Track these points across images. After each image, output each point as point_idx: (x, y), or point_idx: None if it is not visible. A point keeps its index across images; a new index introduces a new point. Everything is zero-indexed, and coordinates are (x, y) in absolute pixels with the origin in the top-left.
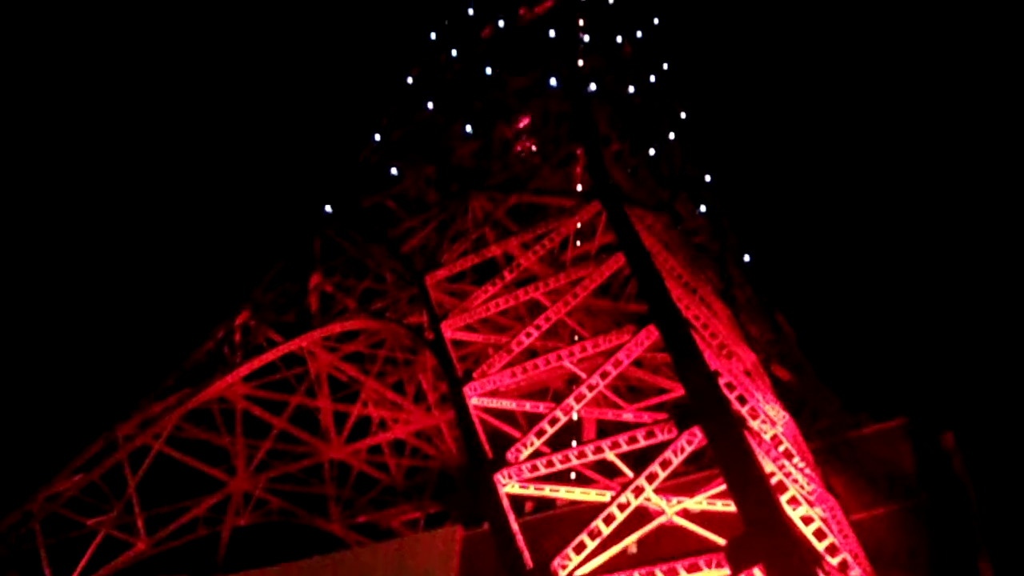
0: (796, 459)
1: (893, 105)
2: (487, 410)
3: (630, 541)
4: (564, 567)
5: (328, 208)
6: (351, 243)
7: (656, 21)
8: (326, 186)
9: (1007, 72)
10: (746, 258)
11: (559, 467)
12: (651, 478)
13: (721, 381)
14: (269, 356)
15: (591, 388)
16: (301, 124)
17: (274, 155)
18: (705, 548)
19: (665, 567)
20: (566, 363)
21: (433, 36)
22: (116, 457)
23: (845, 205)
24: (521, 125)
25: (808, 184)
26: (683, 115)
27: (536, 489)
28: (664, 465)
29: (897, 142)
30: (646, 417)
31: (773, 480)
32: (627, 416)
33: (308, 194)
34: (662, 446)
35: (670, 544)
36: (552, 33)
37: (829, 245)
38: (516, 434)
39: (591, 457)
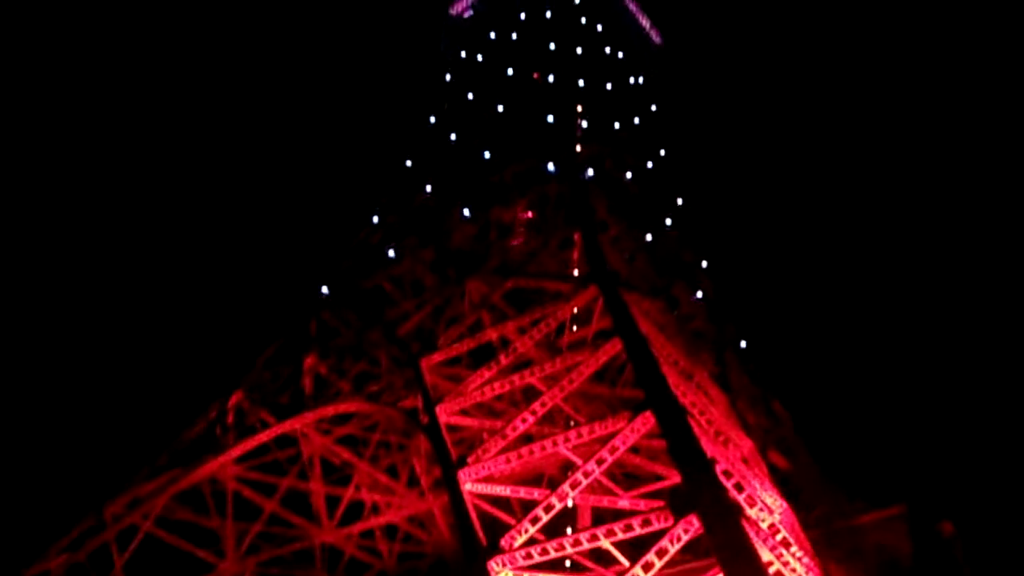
0: (794, 548)
1: (888, 190)
2: (481, 496)
3: None
4: None
5: (325, 289)
6: (347, 325)
7: (654, 108)
8: (323, 267)
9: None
10: (743, 344)
11: (554, 555)
12: (647, 567)
13: (718, 468)
14: (262, 437)
15: (587, 475)
16: (299, 204)
17: (272, 235)
18: None
19: None
20: (561, 449)
21: (432, 120)
22: (103, 537)
23: (844, 290)
24: (520, 215)
25: (806, 269)
26: (680, 201)
27: None
28: (660, 554)
29: (892, 228)
30: (642, 505)
31: (771, 569)
32: (623, 503)
33: (305, 275)
34: (658, 534)
35: None
36: (550, 118)
37: (826, 330)
38: (510, 521)
39: (586, 545)
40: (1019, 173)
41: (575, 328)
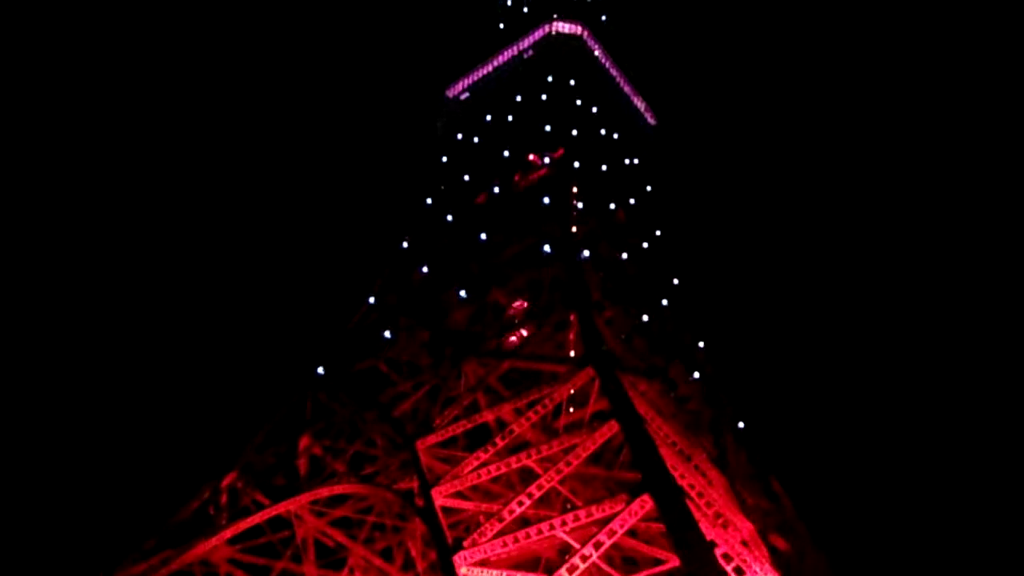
0: None
1: (882, 268)
2: None
3: None
4: None
5: (320, 370)
6: (342, 406)
7: (649, 188)
8: (319, 347)
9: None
10: (740, 425)
11: None
12: None
13: (718, 552)
14: (255, 519)
15: (584, 559)
16: (295, 283)
17: (267, 314)
18: None
19: None
20: (559, 532)
21: (429, 201)
22: None
23: (842, 370)
24: (515, 307)
25: (804, 349)
26: (676, 281)
27: None
28: None
29: (886, 310)
30: None
31: None
32: None
33: (300, 355)
34: None
35: None
36: (546, 200)
37: (826, 410)
38: None
39: None
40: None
41: (572, 410)
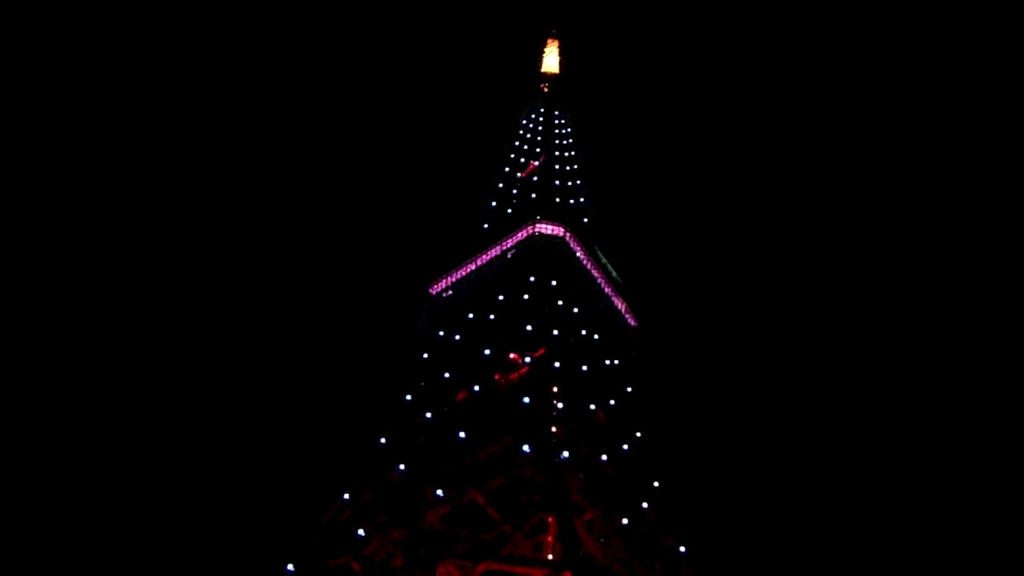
0: None
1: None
2: None
3: None
4: None
5: (290, 567)
6: None
7: (629, 390)
8: (289, 544)
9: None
10: None
11: None
12: None
13: None
14: None
15: None
16: (266, 478)
17: (236, 508)
18: None
19: None
20: None
21: (408, 398)
22: None
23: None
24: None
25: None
26: (656, 484)
27: None
28: None
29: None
30: None
31: None
32: None
33: (270, 552)
34: None
35: None
36: (526, 400)
37: None
38: None
39: None
40: None
41: None
